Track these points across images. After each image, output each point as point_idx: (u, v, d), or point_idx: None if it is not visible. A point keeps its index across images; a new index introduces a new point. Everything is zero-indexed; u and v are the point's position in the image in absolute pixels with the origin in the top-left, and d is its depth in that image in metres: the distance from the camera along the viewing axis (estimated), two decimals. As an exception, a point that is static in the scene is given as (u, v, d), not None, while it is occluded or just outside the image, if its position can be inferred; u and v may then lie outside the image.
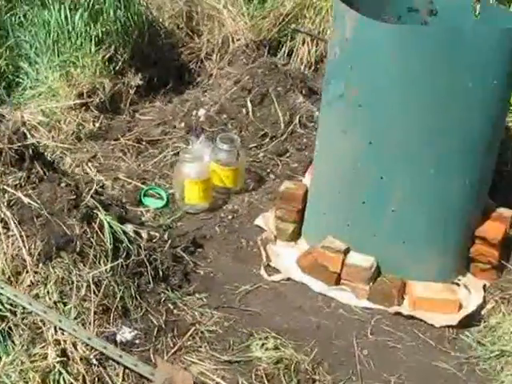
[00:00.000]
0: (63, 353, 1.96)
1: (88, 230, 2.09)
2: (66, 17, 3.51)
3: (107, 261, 2.09)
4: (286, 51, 4.01)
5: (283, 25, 4.02)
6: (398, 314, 2.47)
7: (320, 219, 2.70)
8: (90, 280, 2.02)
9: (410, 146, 2.32)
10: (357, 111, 2.36)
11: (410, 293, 2.52)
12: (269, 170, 3.29)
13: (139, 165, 3.22)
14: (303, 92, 3.54)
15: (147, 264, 2.24)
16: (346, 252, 2.55)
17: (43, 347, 1.96)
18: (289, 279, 2.63)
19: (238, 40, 4.03)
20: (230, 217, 2.97)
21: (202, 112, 3.45)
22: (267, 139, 3.37)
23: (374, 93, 2.29)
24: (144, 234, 2.33)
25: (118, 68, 3.66)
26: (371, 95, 2.30)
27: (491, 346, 2.32)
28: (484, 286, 2.58)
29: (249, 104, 3.39)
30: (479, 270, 2.63)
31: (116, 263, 2.09)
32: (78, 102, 3.39)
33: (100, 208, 2.19)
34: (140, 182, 3.07)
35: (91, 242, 2.07)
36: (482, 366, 2.27)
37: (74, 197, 2.19)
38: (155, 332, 2.19)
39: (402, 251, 2.52)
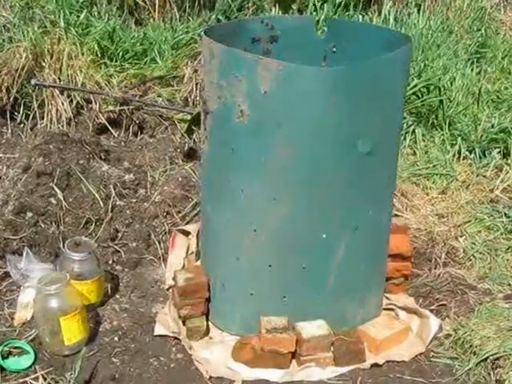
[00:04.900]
0: None
1: None
2: None
3: None
4: (36, 111, 3.31)
5: (21, 82, 3.29)
6: (374, 365, 2.29)
7: (244, 303, 2.31)
8: None
9: (349, 198, 2.11)
10: (290, 173, 2.03)
11: (366, 339, 2.35)
12: (111, 261, 2.71)
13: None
14: (102, 157, 2.97)
15: None
16: (292, 327, 2.25)
17: None
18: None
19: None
20: (116, 338, 2.36)
21: (-6, 219, 2.64)
22: (92, 226, 2.75)
23: (309, 147, 1.98)
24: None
25: None
26: (306, 150, 1.99)
27: (466, 355, 2.30)
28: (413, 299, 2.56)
29: (57, 190, 2.70)
30: (394, 285, 2.57)
31: None
32: None
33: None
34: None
35: None
36: (473, 379, 2.24)
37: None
38: None
39: (348, 302, 2.32)
